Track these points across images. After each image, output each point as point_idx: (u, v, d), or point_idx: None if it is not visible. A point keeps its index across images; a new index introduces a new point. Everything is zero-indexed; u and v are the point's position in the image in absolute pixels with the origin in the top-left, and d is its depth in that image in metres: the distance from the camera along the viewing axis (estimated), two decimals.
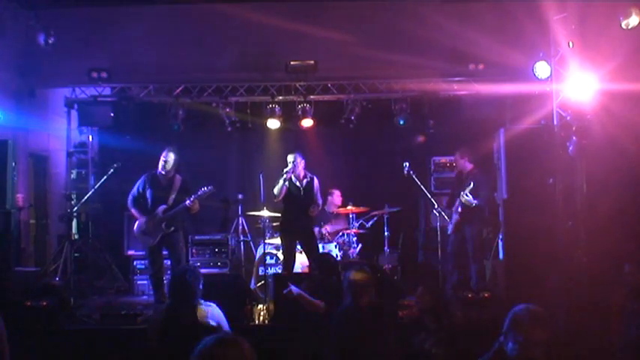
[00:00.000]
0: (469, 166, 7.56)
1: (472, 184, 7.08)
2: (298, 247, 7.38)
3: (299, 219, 7.19)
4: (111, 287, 8.34)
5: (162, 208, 6.83)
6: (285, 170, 7.09)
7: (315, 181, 7.34)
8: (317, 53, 8.13)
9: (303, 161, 7.24)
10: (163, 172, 6.92)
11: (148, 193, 6.91)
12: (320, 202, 7.52)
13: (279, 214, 7.56)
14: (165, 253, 7.05)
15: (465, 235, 7.41)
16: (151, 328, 4.62)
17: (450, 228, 7.53)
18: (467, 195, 7.11)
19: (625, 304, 3.83)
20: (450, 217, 7.56)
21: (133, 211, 6.95)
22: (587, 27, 6.87)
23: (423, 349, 4.31)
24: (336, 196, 8.54)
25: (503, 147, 7.42)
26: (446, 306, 4.92)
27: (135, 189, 6.98)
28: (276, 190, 7.13)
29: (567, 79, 7.16)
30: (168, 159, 6.89)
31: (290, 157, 7.18)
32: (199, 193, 6.74)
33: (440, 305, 4.69)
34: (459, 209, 7.36)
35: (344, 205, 8.39)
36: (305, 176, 7.28)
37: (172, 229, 6.84)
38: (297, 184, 7.23)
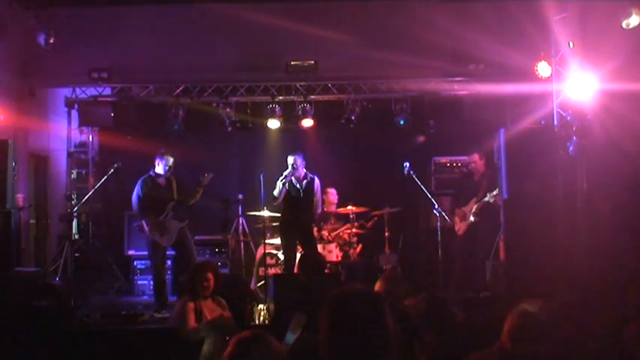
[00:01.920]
0: (483, 168, 7.67)
1: None
2: (299, 247, 7.38)
3: (298, 219, 7.19)
4: (111, 287, 8.34)
5: (171, 204, 6.88)
6: (284, 174, 7.09)
7: (316, 181, 7.34)
8: (317, 53, 8.13)
9: (303, 162, 7.25)
10: (165, 175, 6.94)
11: (151, 196, 6.92)
12: (320, 202, 7.53)
13: (280, 214, 7.56)
14: (169, 253, 7.10)
15: (478, 235, 7.50)
16: None
17: (461, 228, 7.57)
18: (492, 196, 7.30)
19: None
20: (461, 218, 7.57)
21: (144, 221, 6.89)
22: (588, 27, 6.88)
23: None
24: (332, 195, 8.53)
25: (504, 147, 7.41)
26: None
27: (135, 195, 6.98)
28: (275, 192, 7.14)
29: (567, 79, 7.16)
30: (170, 163, 6.95)
31: (290, 159, 7.18)
32: (203, 181, 6.89)
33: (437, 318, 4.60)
34: (477, 210, 7.45)
35: (344, 204, 8.38)
36: (305, 177, 7.28)
37: (186, 221, 6.97)
38: (297, 185, 7.23)
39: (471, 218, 7.53)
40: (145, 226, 6.87)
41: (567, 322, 3.63)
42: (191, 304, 4.85)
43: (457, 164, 8.96)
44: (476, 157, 7.78)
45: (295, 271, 7.19)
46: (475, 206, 7.53)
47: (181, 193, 7.01)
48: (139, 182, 6.99)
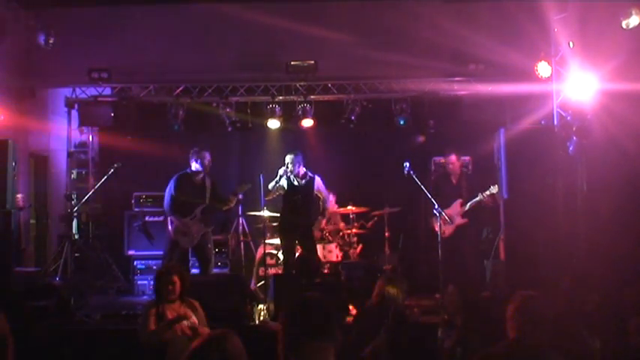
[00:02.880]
0: (459, 169, 7.66)
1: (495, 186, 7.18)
2: (298, 247, 7.37)
3: (297, 219, 7.18)
4: (111, 287, 8.33)
5: (200, 207, 6.88)
6: (279, 173, 7.09)
7: (317, 180, 7.33)
8: (317, 53, 8.13)
9: (300, 163, 7.23)
10: (203, 172, 6.95)
11: (184, 194, 6.90)
12: (327, 200, 7.53)
13: (279, 214, 7.56)
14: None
15: (467, 236, 7.49)
16: None
17: (447, 231, 7.54)
18: (486, 195, 7.25)
19: None
20: (445, 220, 7.54)
21: (173, 217, 6.89)
22: (588, 27, 6.88)
23: (442, 347, 4.31)
24: (330, 202, 8.54)
25: (504, 147, 7.42)
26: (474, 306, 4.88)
27: (168, 193, 6.97)
28: (270, 186, 7.13)
29: (568, 79, 7.16)
30: (207, 158, 6.96)
31: (287, 158, 7.18)
32: (238, 190, 6.93)
33: (469, 305, 4.69)
34: (463, 212, 7.44)
35: (344, 204, 8.39)
36: (305, 176, 7.27)
37: (212, 227, 7.02)
38: (296, 183, 7.22)
39: (461, 220, 7.48)
40: (169, 224, 6.88)
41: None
42: (153, 309, 4.68)
43: None
44: (453, 157, 7.66)
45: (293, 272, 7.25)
46: (463, 208, 7.48)
47: (214, 198, 7.00)
48: (174, 179, 6.97)
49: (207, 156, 6.96)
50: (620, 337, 3.57)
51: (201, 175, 6.99)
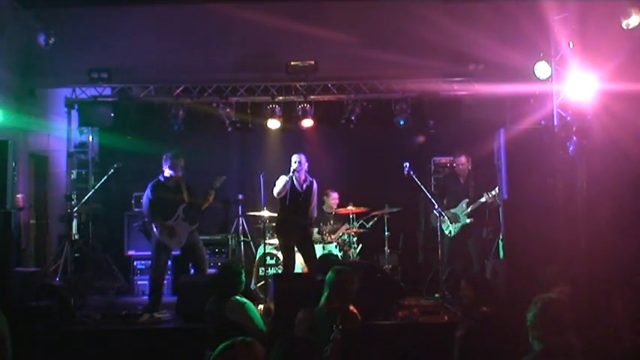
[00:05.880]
0: (468, 170, 7.72)
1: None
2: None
3: (295, 220, 7.17)
4: (111, 287, 8.34)
5: (182, 207, 6.88)
6: (292, 169, 7.09)
7: (315, 185, 7.34)
8: (317, 53, 8.12)
9: (306, 164, 7.24)
10: (174, 177, 6.93)
11: (161, 200, 6.90)
12: (316, 207, 7.51)
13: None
14: (174, 253, 7.11)
15: (471, 236, 7.52)
16: None
17: (453, 230, 7.57)
18: (490, 196, 7.35)
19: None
20: (452, 219, 7.57)
21: (155, 224, 6.86)
22: (588, 27, 6.87)
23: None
24: (333, 199, 8.54)
25: (504, 147, 7.40)
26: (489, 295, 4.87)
27: (146, 199, 6.97)
28: (279, 185, 7.10)
29: (567, 79, 7.16)
30: (182, 164, 6.96)
31: (295, 157, 7.18)
32: (215, 184, 6.90)
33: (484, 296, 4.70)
34: (469, 211, 7.47)
35: (344, 205, 8.40)
36: (305, 179, 7.27)
37: (197, 225, 6.99)
38: (297, 186, 7.22)
39: (467, 220, 7.54)
40: (155, 228, 6.85)
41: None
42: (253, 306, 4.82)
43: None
44: (463, 158, 7.78)
45: (305, 270, 7.24)
46: (469, 207, 7.55)
47: (192, 197, 7.01)
48: (150, 186, 6.99)
49: (181, 162, 6.97)
50: (616, 341, 3.56)
51: (175, 179, 6.99)
